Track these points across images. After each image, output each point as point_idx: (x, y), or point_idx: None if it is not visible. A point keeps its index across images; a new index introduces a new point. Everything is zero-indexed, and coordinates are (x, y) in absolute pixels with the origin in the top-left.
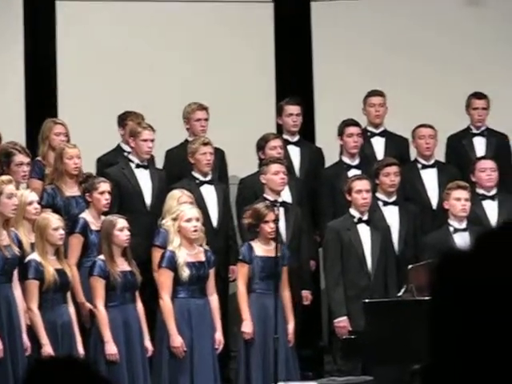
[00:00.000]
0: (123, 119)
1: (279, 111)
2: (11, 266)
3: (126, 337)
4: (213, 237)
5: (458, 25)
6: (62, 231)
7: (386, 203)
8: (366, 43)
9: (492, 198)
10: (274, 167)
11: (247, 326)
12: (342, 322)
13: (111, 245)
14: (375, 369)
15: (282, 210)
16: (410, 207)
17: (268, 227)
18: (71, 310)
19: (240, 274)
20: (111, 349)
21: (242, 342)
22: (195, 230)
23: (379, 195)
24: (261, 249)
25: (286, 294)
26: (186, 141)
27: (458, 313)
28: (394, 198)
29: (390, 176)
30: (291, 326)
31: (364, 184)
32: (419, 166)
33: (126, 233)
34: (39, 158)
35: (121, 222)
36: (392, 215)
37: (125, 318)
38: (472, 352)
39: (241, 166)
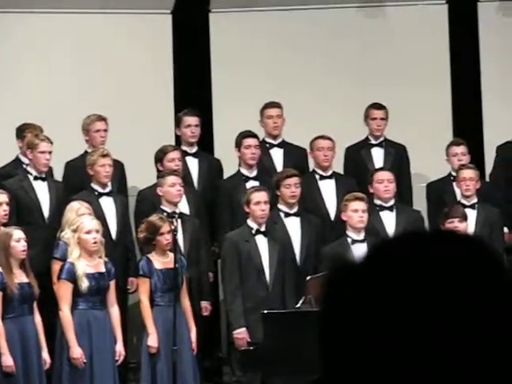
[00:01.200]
0: (21, 131)
1: (178, 122)
2: None
3: (23, 349)
4: (112, 249)
5: (356, 35)
6: None
7: (287, 214)
8: (264, 54)
9: (390, 208)
10: (170, 179)
11: (152, 340)
12: (240, 334)
13: (8, 257)
14: (274, 380)
15: (179, 221)
16: (312, 218)
17: (164, 239)
18: None
19: (142, 288)
20: (7, 361)
21: (146, 355)
22: (95, 242)
23: (281, 206)
24: (159, 262)
25: (187, 303)
26: (86, 152)
27: (345, 326)
28: (295, 209)
29: (291, 187)
30: (194, 335)
31: (262, 196)
32: (317, 176)
33: (23, 244)
34: None
35: (17, 234)
36: (294, 226)
37: (22, 330)
38: (359, 365)
39: (140, 177)
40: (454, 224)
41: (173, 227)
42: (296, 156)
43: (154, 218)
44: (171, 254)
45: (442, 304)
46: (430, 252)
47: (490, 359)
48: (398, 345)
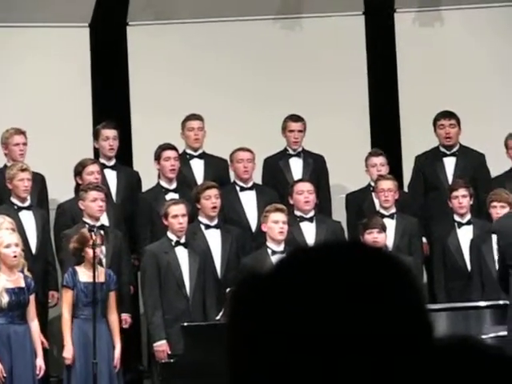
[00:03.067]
0: None
1: (96, 135)
2: None
3: None
4: (32, 262)
5: (273, 47)
6: None
7: (207, 226)
8: (182, 67)
9: (310, 219)
10: (92, 194)
11: (67, 352)
12: (161, 346)
13: None
14: None
15: (102, 233)
16: (232, 229)
17: (91, 252)
18: None
19: (64, 299)
20: None
21: (64, 368)
22: (14, 256)
23: (201, 218)
24: (85, 274)
25: (113, 319)
26: (5, 166)
27: (249, 335)
28: (215, 222)
29: (211, 199)
30: (117, 351)
31: (180, 209)
32: (238, 188)
33: None
34: None
35: None
36: (214, 238)
37: None
38: (265, 375)
39: (60, 190)
40: (373, 235)
41: (93, 241)
42: (217, 167)
43: (85, 229)
44: (99, 268)
45: (344, 317)
46: (337, 264)
47: (394, 374)
48: (302, 355)
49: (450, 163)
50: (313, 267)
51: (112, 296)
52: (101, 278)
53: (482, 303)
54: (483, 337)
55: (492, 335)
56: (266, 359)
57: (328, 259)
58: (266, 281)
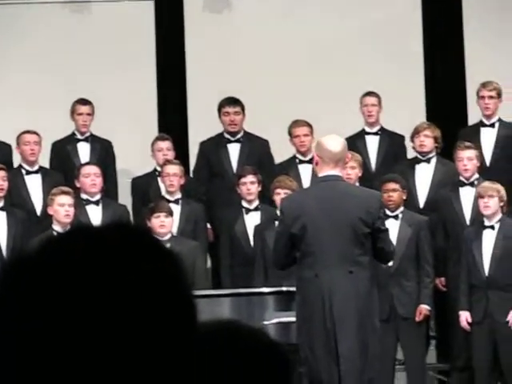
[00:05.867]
0: None
1: None
2: None
3: None
4: None
5: (59, 32)
6: None
7: None
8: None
9: (96, 203)
10: None
11: None
12: None
13: None
14: None
15: None
16: (18, 213)
17: None
18: None
19: None
20: None
21: None
22: None
23: None
24: None
25: None
26: None
27: (11, 322)
28: (1, 204)
29: None
30: None
31: None
32: (23, 171)
33: None
34: None
35: None
36: (0, 221)
37: None
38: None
39: None
40: (160, 219)
41: None
42: (1, 151)
43: None
44: None
45: (98, 300)
46: (102, 245)
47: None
48: (60, 342)
49: (234, 149)
50: (76, 247)
51: None
52: None
53: (265, 289)
54: (265, 323)
55: (274, 321)
56: (24, 344)
57: (94, 240)
58: (29, 261)
